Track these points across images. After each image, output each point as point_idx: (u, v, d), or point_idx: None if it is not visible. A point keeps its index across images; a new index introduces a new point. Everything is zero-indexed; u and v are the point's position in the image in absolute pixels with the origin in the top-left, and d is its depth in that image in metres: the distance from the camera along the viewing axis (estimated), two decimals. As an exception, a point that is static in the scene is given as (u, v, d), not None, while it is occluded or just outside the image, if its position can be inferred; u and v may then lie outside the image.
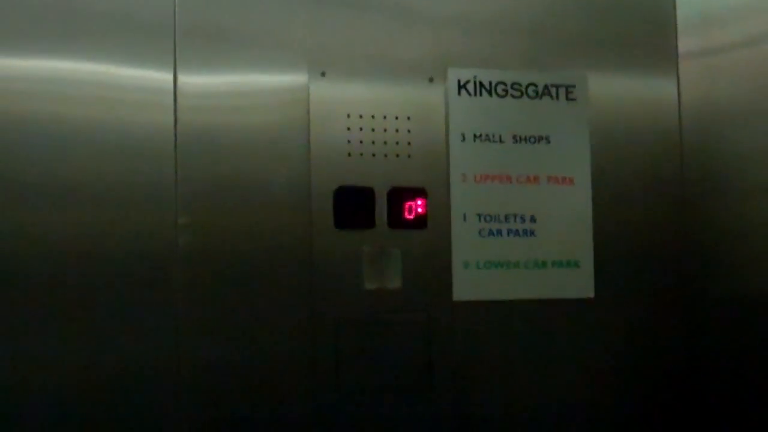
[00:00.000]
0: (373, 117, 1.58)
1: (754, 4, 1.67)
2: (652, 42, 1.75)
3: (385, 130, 1.58)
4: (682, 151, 1.74)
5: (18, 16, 1.44)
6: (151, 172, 1.48)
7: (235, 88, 1.53)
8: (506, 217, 1.63)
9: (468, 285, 1.60)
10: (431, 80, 1.62)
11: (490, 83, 1.64)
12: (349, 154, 1.56)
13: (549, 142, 1.66)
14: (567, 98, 1.68)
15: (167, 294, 1.47)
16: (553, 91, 1.67)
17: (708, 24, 1.75)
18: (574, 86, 1.68)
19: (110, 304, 1.44)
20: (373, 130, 1.57)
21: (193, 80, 1.51)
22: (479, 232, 1.61)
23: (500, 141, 1.64)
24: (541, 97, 1.67)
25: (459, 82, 1.63)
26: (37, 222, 1.42)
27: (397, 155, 1.58)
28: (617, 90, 1.72)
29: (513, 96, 1.65)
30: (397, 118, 1.59)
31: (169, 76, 1.50)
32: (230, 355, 1.49)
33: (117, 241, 1.45)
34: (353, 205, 1.55)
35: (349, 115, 1.57)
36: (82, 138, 1.45)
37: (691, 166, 1.73)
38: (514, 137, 1.65)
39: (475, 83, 1.63)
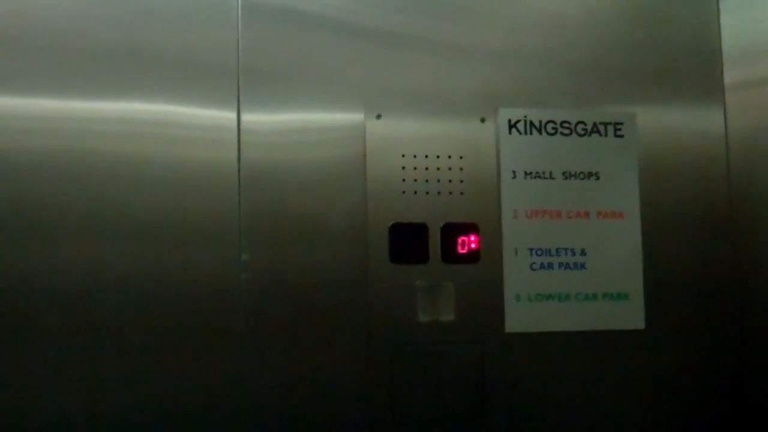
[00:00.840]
0: (426, 156, 1.61)
1: (800, 34, 1.67)
2: (698, 75, 1.76)
3: (438, 169, 1.61)
4: (729, 182, 1.75)
5: (93, 61, 1.50)
6: (215, 208, 1.51)
7: (295, 126, 1.57)
8: (557, 251, 1.65)
9: (520, 317, 1.62)
10: (482, 120, 1.65)
11: (540, 122, 1.66)
12: (404, 192, 1.59)
13: (598, 178, 1.68)
14: (615, 135, 1.70)
15: (230, 329, 1.50)
16: (602, 128, 1.69)
17: (754, 55, 1.76)
18: (622, 123, 1.70)
19: (175, 338, 1.47)
20: (426, 168, 1.61)
21: (256, 119, 1.55)
22: (530, 266, 1.63)
23: (550, 177, 1.66)
24: (590, 135, 1.68)
25: (509, 121, 1.65)
26: (103, 258, 1.46)
27: (450, 192, 1.61)
28: (664, 123, 1.73)
29: (562, 134, 1.67)
30: (449, 156, 1.62)
31: (233, 115, 1.55)
32: (290, 385, 1.52)
33: (182, 278, 1.48)
34: (408, 240, 1.58)
35: (403, 155, 1.60)
36: (150, 175, 1.49)
37: (739, 196, 1.74)
38: (564, 174, 1.67)
39: (525, 122, 1.66)
